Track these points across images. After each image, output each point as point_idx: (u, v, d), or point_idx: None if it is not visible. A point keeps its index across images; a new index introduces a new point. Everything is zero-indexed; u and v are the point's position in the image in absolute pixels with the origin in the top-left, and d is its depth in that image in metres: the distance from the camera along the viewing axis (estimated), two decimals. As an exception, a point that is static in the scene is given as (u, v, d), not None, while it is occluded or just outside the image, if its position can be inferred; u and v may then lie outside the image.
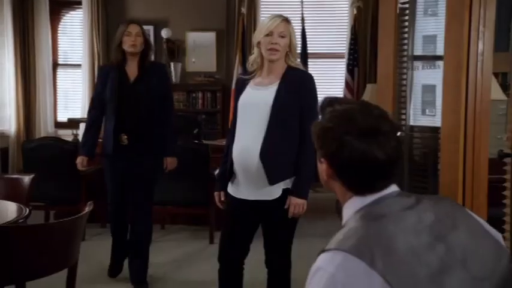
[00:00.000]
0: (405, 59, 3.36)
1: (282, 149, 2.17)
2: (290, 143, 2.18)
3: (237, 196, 2.25)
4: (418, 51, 3.96)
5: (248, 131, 2.20)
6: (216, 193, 2.35)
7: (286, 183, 2.19)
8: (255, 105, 2.20)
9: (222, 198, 2.33)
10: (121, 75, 3.02)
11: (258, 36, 2.21)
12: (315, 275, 0.99)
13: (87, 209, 1.79)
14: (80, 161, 3.20)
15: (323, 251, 1.02)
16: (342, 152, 1.06)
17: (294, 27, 6.66)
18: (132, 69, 3.04)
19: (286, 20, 2.22)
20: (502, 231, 2.46)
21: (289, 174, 2.18)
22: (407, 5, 3.27)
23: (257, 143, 2.15)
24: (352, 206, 1.08)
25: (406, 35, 3.36)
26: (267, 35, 2.17)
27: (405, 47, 3.36)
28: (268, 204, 2.19)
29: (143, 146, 3.02)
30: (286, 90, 2.17)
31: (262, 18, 5.89)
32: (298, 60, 2.33)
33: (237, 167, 2.23)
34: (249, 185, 2.20)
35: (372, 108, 1.10)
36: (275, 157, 2.15)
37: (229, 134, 2.32)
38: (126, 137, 3.00)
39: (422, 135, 3.45)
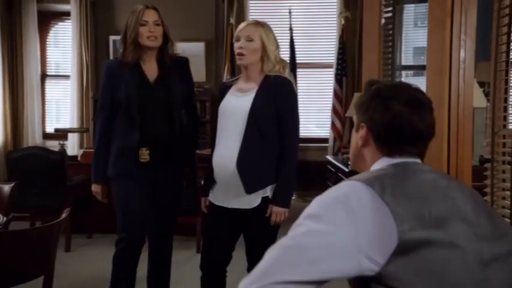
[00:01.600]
0: (389, 67, 3.38)
1: (260, 157, 2.14)
2: (268, 150, 2.16)
3: (216, 203, 2.24)
4: (409, 61, 4.01)
5: (226, 138, 2.18)
6: (202, 198, 2.36)
7: (265, 191, 2.17)
8: (232, 112, 2.18)
9: (207, 203, 2.32)
10: (139, 75, 2.41)
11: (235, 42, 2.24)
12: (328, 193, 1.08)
13: (63, 216, 1.77)
14: (99, 191, 2.48)
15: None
16: (385, 114, 1.16)
17: (283, 38, 6.55)
18: (150, 67, 2.44)
19: (257, 24, 2.21)
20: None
21: (267, 182, 2.16)
22: (390, 14, 3.30)
23: (234, 150, 2.13)
24: (378, 165, 1.18)
25: (390, 43, 3.39)
26: (236, 40, 2.18)
27: (389, 55, 3.38)
28: (247, 212, 2.17)
29: (168, 162, 2.44)
30: (264, 97, 2.16)
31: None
32: (278, 70, 2.23)
33: (216, 174, 2.22)
34: (228, 192, 2.19)
35: (413, 86, 1.23)
36: (252, 165, 2.13)
37: (212, 141, 2.32)
38: (148, 151, 2.39)
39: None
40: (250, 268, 2.29)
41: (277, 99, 2.16)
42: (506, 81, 2.07)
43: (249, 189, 2.13)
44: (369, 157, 1.21)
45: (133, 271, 2.54)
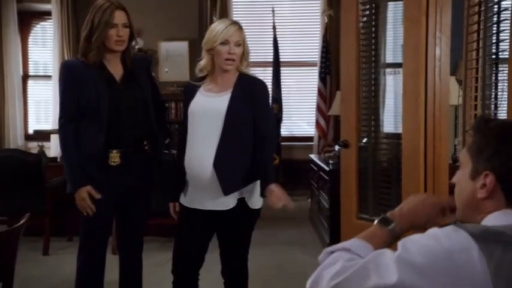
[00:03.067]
0: (372, 64, 3.36)
1: (236, 158, 2.13)
2: (244, 151, 2.14)
3: (190, 206, 2.20)
4: (398, 59, 4.00)
5: (201, 139, 2.15)
6: (170, 204, 2.31)
7: (241, 193, 2.15)
8: (207, 113, 2.15)
9: (177, 209, 2.29)
10: (105, 76, 2.30)
11: (211, 43, 2.15)
12: (433, 239, 0.93)
13: (22, 221, 1.73)
14: (86, 195, 2.27)
15: (456, 222, 0.96)
16: None
17: (266, 36, 6.55)
18: (115, 67, 2.34)
19: (240, 27, 2.18)
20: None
21: (243, 183, 2.14)
22: (368, 12, 3.29)
23: (210, 151, 2.10)
24: (505, 216, 0.99)
25: (371, 41, 3.37)
26: (223, 43, 2.12)
27: (368, 53, 3.36)
28: (223, 214, 2.15)
29: (141, 164, 2.36)
30: (240, 98, 2.14)
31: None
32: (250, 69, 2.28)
33: (190, 176, 2.18)
34: (203, 194, 2.16)
35: None
36: (229, 166, 2.11)
37: (180, 142, 2.27)
38: (118, 154, 2.29)
39: (391, 142, 3.44)
40: (224, 271, 2.28)
41: (255, 101, 2.16)
42: (477, 79, 2.05)
43: (227, 190, 2.10)
44: (490, 210, 1.02)
45: (99, 283, 2.46)
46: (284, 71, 6.00)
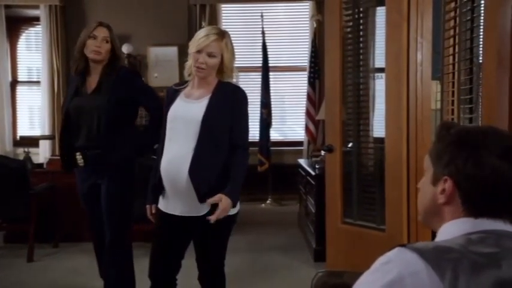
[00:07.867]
0: (353, 69, 3.37)
1: (212, 165, 2.11)
2: (220, 158, 2.12)
3: (166, 211, 2.19)
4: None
5: (177, 145, 2.13)
6: (147, 206, 2.30)
7: (214, 199, 2.13)
8: (184, 119, 2.14)
9: (153, 211, 2.27)
10: (80, 86, 2.55)
11: (190, 47, 2.15)
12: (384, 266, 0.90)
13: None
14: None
15: (403, 245, 0.93)
16: (479, 169, 0.95)
17: (255, 41, 6.47)
18: (93, 79, 2.55)
19: (220, 37, 2.13)
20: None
21: (218, 190, 2.10)
22: (350, 17, 3.30)
23: (186, 158, 2.09)
24: (460, 226, 0.97)
25: (354, 46, 3.38)
26: (197, 52, 2.11)
27: (354, 57, 3.38)
28: (196, 220, 2.13)
29: (100, 166, 2.53)
30: (218, 105, 2.13)
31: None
32: (234, 79, 2.25)
33: (165, 181, 2.16)
34: (178, 200, 2.14)
35: (504, 132, 1.03)
36: (205, 173, 2.09)
37: (159, 146, 2.26)
38: (80, 156, 2.55)
39: (376, 146, 3.45)
40: (200, 276, 2.26)
41: (233, 108, 2.15)
42: (453, 84, 2.06)
43: (202, 197, 2.09)
44: (450, 216, 1.00)
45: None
46: (274, 76, 6.01)
